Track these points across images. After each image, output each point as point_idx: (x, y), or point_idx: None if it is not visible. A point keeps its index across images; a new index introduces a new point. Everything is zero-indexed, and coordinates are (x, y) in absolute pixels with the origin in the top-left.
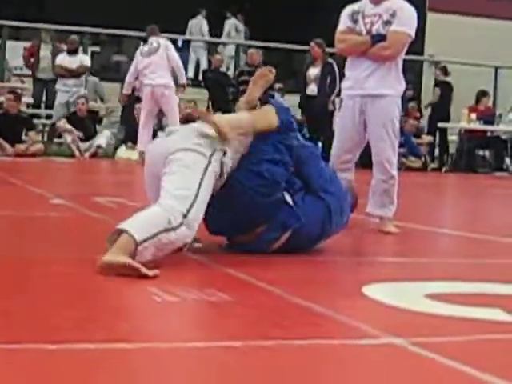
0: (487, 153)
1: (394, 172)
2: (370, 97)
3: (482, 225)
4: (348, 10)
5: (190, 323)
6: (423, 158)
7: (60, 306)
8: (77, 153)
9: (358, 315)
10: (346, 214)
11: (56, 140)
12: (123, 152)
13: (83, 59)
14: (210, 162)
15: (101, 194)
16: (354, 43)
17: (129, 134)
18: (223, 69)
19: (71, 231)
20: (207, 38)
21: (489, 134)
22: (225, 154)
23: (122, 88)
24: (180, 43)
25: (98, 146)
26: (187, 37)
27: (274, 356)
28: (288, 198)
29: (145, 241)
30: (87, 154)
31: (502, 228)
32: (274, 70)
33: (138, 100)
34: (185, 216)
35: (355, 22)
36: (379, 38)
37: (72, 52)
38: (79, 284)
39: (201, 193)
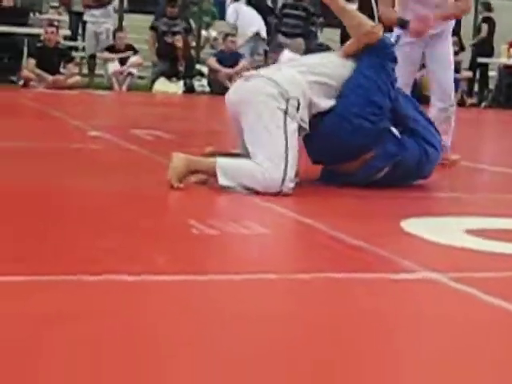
0: None
1: (454, 100)
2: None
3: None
4: None
5: (227, 256)
6: (460, 94)
7: (98, 236)
8: (116, 85)
9: (397, 249)
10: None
11: (96, 72)
12: (161, 84)
13: None
14: (286, 121)
15: (138, 126)
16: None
17: (166, 66)
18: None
19: (108, 163)
20: None
21: None
22: (299, 105)
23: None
24: None
25: (130, 73)
26: None
27: (314, 289)
28: (394, 130)
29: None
30: (124, 87)
31: None
32: (381, 28)
33: (174, 33)
34: (281, 187)
35: None
36: (404, 22)
37: None
38: (115, 216)
39: (289, 159)
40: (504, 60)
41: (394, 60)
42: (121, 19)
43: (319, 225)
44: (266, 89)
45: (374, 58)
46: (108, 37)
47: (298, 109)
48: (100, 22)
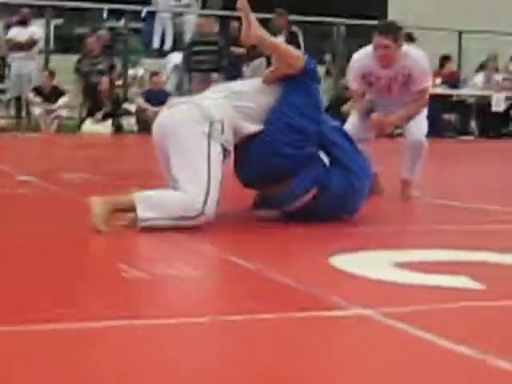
0: (453, 117)
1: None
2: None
3: (448, 190)
4: (357, 68)
5: (159, 299)
6: None
7: (28, 282)
8: (43, 127)
9: (327, 286)
10: (364, 198)
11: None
12: (89, 125)
13: (34, 32)
14: (209, 144)
15: (67, 169)
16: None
17: (93, 106)
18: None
19: (37, 208)
20: (166, 7)
21: (454, 98)
22: (223, 127)
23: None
24: (144, 14)
25: (58, 116)
26: (150, 8)
27: (246, 330)
28: (323, 157)
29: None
30: (52, 129)
31: (469, 193)
32: (303, 56)
33: (98, 72)
34: (203, 207)
35: (370, 84)
36: (370, 111)
37: (22, 24)
38: (44, 261)
39: (212, 180)
40: (429, 89)
41: (318, 81)
42: (47, 60)
43: (249, 264)
44: (189, 115)
45: (298, 83)
46: (30, 79)
47: (222, 131)
48: (23, 63)
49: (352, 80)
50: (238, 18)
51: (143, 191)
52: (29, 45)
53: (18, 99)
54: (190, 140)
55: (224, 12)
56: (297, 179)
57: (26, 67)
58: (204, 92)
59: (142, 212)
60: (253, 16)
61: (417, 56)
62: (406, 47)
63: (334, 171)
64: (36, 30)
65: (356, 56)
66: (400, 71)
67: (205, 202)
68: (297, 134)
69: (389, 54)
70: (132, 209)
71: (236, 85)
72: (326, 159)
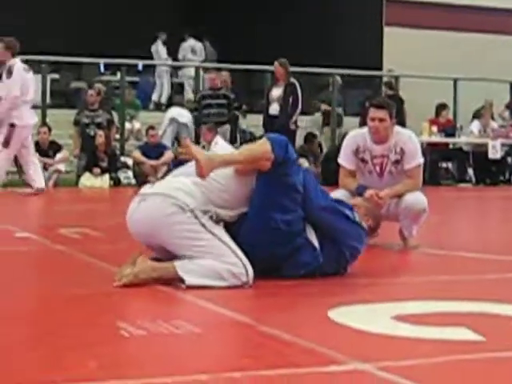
0: (450, 165)
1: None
2: None
3: (446, 240)
4: (351, 143)
5: (158, 358)
6: None
7: (25, 344)
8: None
9: (325, 341)
10: (359, 250)
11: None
12: (87, 179)
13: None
14: (202, 223)
15: (65, 224)
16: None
17: (90, 160)
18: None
19: (35, 266)
20: (168, 61)
21: (451, 146)
22: (202, 212)
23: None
24: (140, 67)
25: (57, 170)
26: (146, 62)
27: None
28: (313, 239)
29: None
30: (50, 183)
31: (468, 242)
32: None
33: (97, 125)
34: (246, 275)
35: (363, 160)
36: (362, 189)
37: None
38: (43, 321)
39: (230, 245)
40: (425, 137)
41: (294, 164)
42: (44, 115)
43: (249, 320)
44: (166, 210)
45: (272, 177)
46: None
47: (204, 213)
48: None
49: (344, 155)
50: (232, 70)
51: (180, 260)
52: None
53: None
54: (184, 229)
55: (220, 64)
56: (287, 269)
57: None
58: (173, 176)
59: (191, 281)
60: (196, 150)
61: (409, 134)
62: (397, 128)
63: (325, 250)
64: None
65: (351, 132)
66: (392, 148)
67: (247, 273)
68: (278, 231)
69: (383, 128)
70: (171, 276)
71: None
72: (315, 241)
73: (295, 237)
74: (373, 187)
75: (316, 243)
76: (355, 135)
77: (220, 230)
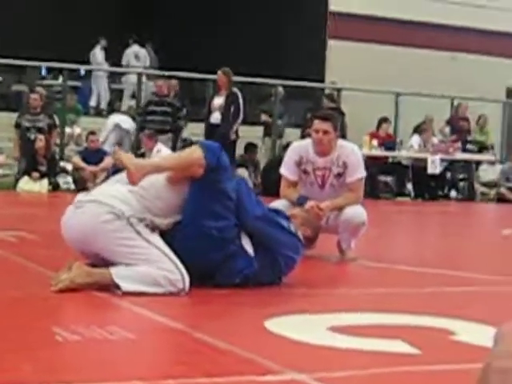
0: (389, 178)
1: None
2: None
3: (384, 253)
4: (294, 154)
5: (92, 363)
6: None
7: None
8: None
9: (261, 350)
10: (295, 260)
11: None
12: (26, 183)
13: None
14: (137, 231)
15: (1, 227)
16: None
17: (29, 164)
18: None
19: None
20: (106, 67)
21: (390, 159)
22: (138, 219)
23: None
24: (82, 72)
25: None
26: (87, 67)
27: None
28: (247, 247)
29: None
30: None
31: (405, 256)
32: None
33: (38, 129)
34: (182, 281)
35: (305, 172)
36: (303, 200)
37: None
38: None
39: (167, 253)
40: (365, 151)
41: (225, 170)
42: None
43: (184, 328)
44: (102, 217)
45: (204, 183)
46: None
47: (140, 221)
48: None
49: (286, 166)
50: (174, 78)
51: (116, 267)
52: None
53: None
54: (118, 236)
55: (162, 72)
56: (222, 276)
57: None
58: (110, 181)
59: (126, 286)
60: (126, 157)
61: (352, 147)
62: (340, 141)
63: (259, 257)
64: None
65: (295, 143)
66: (335, 161)
67: (183, 279)
68: (210, 237)
69: (327, 140)
70: (105, 283)
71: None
72: (249, 248)
73: (228, 244)
74: (314, 199)
75: (250, 250)
76: (298, 146)
77: (155, 238)
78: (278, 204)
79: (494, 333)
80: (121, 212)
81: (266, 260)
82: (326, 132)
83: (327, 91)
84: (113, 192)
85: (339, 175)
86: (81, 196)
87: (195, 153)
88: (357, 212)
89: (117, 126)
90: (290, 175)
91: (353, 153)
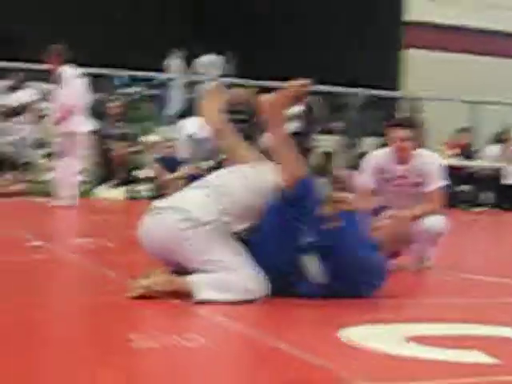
0: (466, 188)
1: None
2: None
3: (461, 262)
4: (373, 162)
5: (168, 371)
6: None
7: (36, 353)
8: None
9: (336, 360)
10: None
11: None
12: (103, 190)
13: (20, 96)
14: (210, 232)
15: (81, 234)
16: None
17: (107, 171)
18: None
19: (48, 276)
20: (182, 75)
21: (468, 169)
22: (218, 226)
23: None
24: (158, 81)
25: None
26: (163, 74)
27: None
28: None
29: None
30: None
31: (482, 266)
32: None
33: (115, 138)
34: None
35: (384, 180)
36: (380, 209)
37: (14, 89)
38: (54, 333)
39: (243, 257)
40: (443, 160)
41: (298, 206)
42: None
43: (261, 336)
44: (180, 224)
45: (282, 203)
46: (26, 143)
47: (217, 226)
48: (18, 128)
49: (366, 174)
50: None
51: (196, 275)
52: (17, 110)
53: (25, 163)
54: (198, 240)
55: (239, 80)
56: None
57: (21, 132)
58: (188, 188)
59: (205, 296)
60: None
61: (431, 155)
62: (420, 149)
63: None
64: (22, 94)
65: (374, 152)
66: (414, 170)
67: (259, 282)
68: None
69: (407, 147)
70: (187, 292)
71: (224, 178)
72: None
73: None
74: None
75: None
76: (376, 154)
77: (233, 244)
78: None
79: None
80: (197, 218)
81: (345, 284)
82: (405, 139)
83: (405, 101)
84: (189, 197)
85: (417, 184)
86: (157, 202)
87: (300, 169)
88: (436, 221)
89: (190, 137)
90: (367, 182)
91: (432, 162)
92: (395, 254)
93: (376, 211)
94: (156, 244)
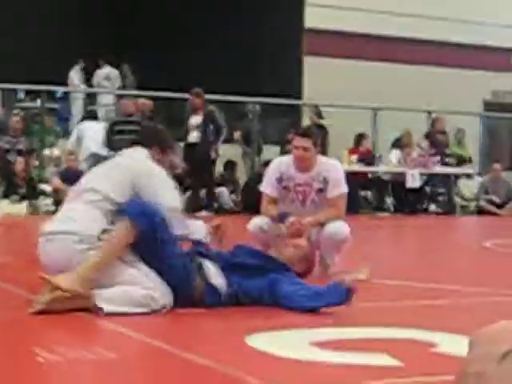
0: (369, 193)
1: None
2: None
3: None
4: (275, 169)
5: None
6: None
7: None
8: None
9: (242, 367)
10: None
11: None
12: (5, 206)
13: None
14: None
15: None
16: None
17: (8, 186)
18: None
19: None
20: (82, 88)
21: (370, 175)
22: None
23: None
24: (59, 94)
25: None
26: (64, 88)
27: None
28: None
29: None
30: None
31: (387, 270)
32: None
33: (17, 152)
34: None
35: (285, 188)
36: (284, 216)
37: None
38: None
39: (143, 268)
40: (344, 166)
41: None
42: None
43: (167, 346)
44: (74, 246)
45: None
46: None
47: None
48: None
49: (267, 183)
50: (151, 98)
51: (99, 291)
52: None
53: None
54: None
55: (139, 92)
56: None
57: None
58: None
59: (107, 307)
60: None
61: (333, 162)
62: (322, 156)
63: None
64: None
65: (275, 160)
66: (316, 177)
67: (163, 291)
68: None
69: (307, 156)
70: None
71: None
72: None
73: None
74: (295, 215)
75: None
76: (279, 162)
77: (132, 258)
78: (259, 221)
79: (468, 340)
80: (90, 235)
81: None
82: (306, 149)
83: (306, 108)
84: (75, 213)
85: (320, 191)
86: (46, 226)
87: (122, 229)
88: (339, 228)
89: (92, 155)
90: (270, 192)
91: (334, 168)
92: (306, 272)
93: (280, 217)
94: (55, 265)
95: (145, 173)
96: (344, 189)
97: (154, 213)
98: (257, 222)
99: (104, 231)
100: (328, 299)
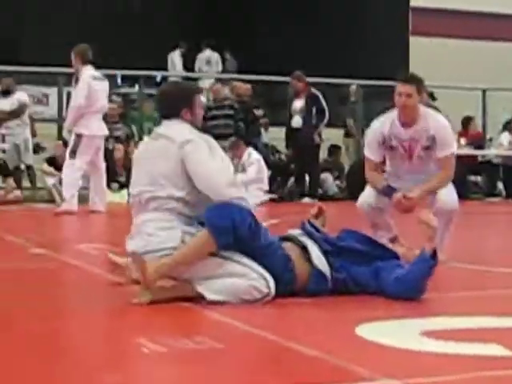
0: (479, 178)
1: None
2: None
3: (476, 254)
4: (376, 133)
5: (179, 376)
6: None
7: (49, 362)
8: (57, 197)
9: (352, 357)
10: None
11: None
12: (108, 195)
13: (19, 97)
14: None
15: (83, 240)
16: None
17: (109, 175)
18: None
19: (51, 283)
20: (180, 72)
21: (480, 158)
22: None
23: None
24: (158, 78)
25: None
26: (163, 72)
27: None
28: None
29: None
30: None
31: (498, 257)
32: None
33: (115, 138)
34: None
35: (391, 148)
36: (390, 191)
37: (6, 93)
38: (65, 340)
39: (243, 260)
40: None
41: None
42: (59, 129)
43: (273, 337)
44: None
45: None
46: (27, 147)
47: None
48: (17, 132)
49: (369, 147)
50: (251, 81)
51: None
52: (18, 111)
53: (17, 169)
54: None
55: (239, 75)
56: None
57: (19, 136)
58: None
59: (210, 296)
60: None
61: (439, 118)
62: (426, 109)
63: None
64: (21, 96)
65: (375, 121)
66: (423, 133)
67: (265, 280)
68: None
69: (411, 104)
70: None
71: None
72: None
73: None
74: (401, 172)
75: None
76: (379, 124)
77: (230, 252)
78: (367, 195)
79: None
80: (172, 247)
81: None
82: (408, 95)
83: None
84: (150, 229)
85: (428, 148)
86: (128, 244)
87: (206, 244)
88: (450, 198)
89: None
90: (374, 157)
91: (441, 123)
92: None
93: (386, 193)
94: None
95: (189, 147)
96: (453, 148)
97: (234, 226)
98: (364, 199)
99: (185, 233)
100: (422, 272)
